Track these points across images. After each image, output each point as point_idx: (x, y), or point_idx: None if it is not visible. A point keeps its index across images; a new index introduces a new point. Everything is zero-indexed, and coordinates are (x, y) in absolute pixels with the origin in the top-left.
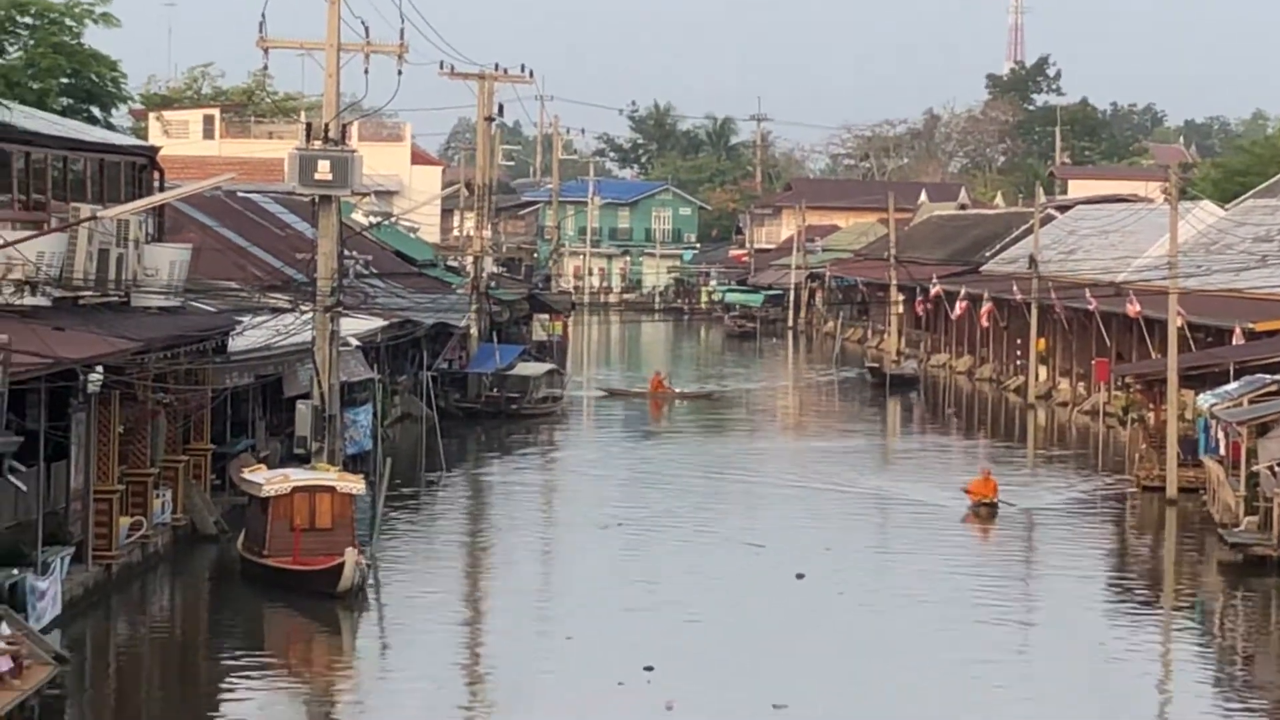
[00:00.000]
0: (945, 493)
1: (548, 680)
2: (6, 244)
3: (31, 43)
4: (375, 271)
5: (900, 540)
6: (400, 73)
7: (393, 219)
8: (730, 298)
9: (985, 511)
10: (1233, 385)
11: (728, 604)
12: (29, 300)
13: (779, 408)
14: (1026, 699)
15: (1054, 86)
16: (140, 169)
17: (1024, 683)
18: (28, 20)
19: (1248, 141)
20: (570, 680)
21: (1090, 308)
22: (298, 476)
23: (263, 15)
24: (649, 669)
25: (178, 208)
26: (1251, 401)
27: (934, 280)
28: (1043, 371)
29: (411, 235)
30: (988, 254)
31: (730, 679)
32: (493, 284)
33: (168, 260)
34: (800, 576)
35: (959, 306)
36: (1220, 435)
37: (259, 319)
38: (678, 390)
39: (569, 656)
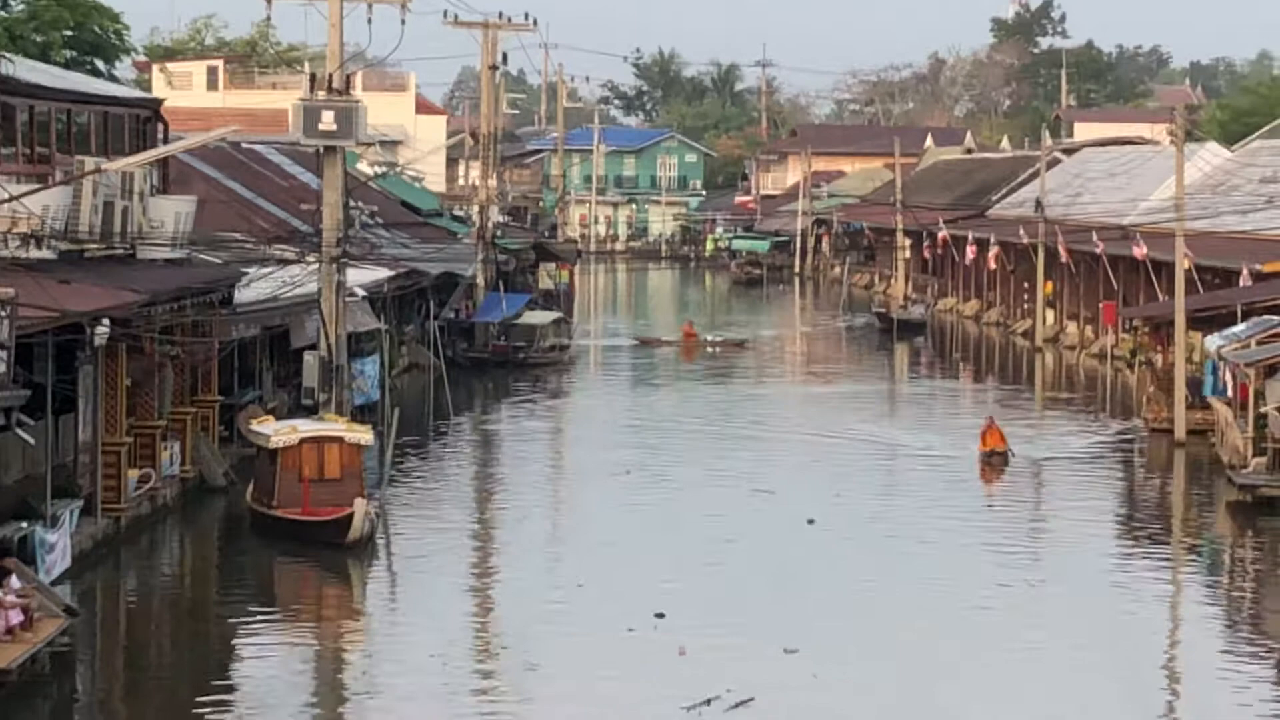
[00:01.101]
0: (954, 439)
1: (559, 627)
2: (12, 197)
3: None
4: (381, 222)
5: (909, 487)
6: (404, 22)
7: (398, 169)
8: (737, 244)
9: (997, 460)
10: (1240, 327)
11: (738, 550)
12: (35, 254)
13: (786, 353)
14: (1036, 643)
15: (1059, 29)
16: (144, 121)
17: (1033, 627)
18: None
19: (1254, 83)
20: (581, 627)
21: (1097, 251)
22: (306, 427)
23: None
24: (660, 615)
25: (182, 160)
26: (1260, 343)
27: (940, 225)
28: (1050, 315)
29: (417, 185)
30: (994, 198)
31: (741, 625)
32: (499, 233)
33: (173, 212)
34: (811, 522)
35: (969, 251)
36: (1228, 377)
37: (265, 270)
38: (710, 338)
39: (580, 603)
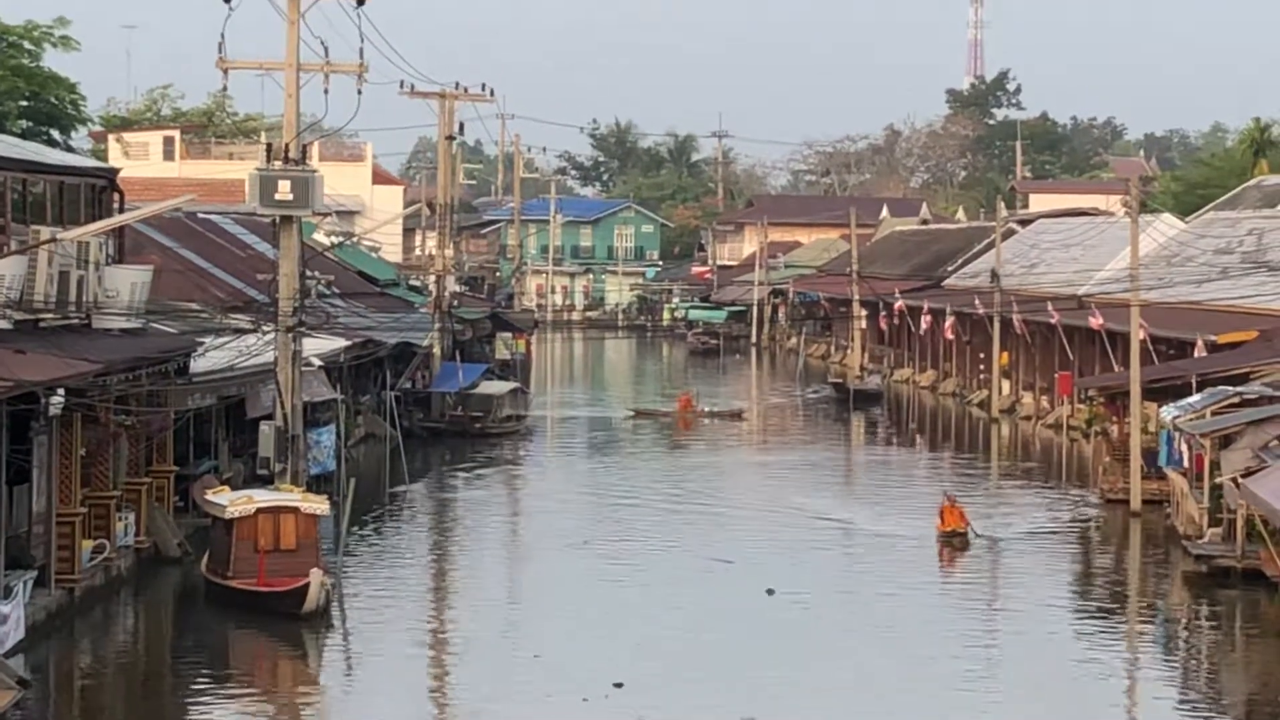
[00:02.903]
0: (911, 513)
1: (515, 698)
2: None
3: None
4: (337, 291)
5: (867, 559)
6: (360, 92)
7: (354, 239)
8: (693, 314)
9: (958, 541)
10: (1195, 398)
11: (696, 619)
12: None
13: (743, 423)
14: (993, 711)
15: (1014, 101)
16: (100, 191)
17: (989, 694)
18: None
19: (1207, 154)
20: (538, 698)
21: (1053, 321)
22: (261, 498)
23: (222, 36)
24: (618, 685)
25: (138, 229)
26: (1214, 414)
27: (897, 295)
28: (1006, 385)
29: (373, 255)
30: (950, 269)
31: (699, 694)
32: (455, 303)
33: (128, 282)
34: (770, 592)
35: (924, 321)
36: (1183, 448)
37: (221, 340)
38: (705, 409)
39: (536, 674)
